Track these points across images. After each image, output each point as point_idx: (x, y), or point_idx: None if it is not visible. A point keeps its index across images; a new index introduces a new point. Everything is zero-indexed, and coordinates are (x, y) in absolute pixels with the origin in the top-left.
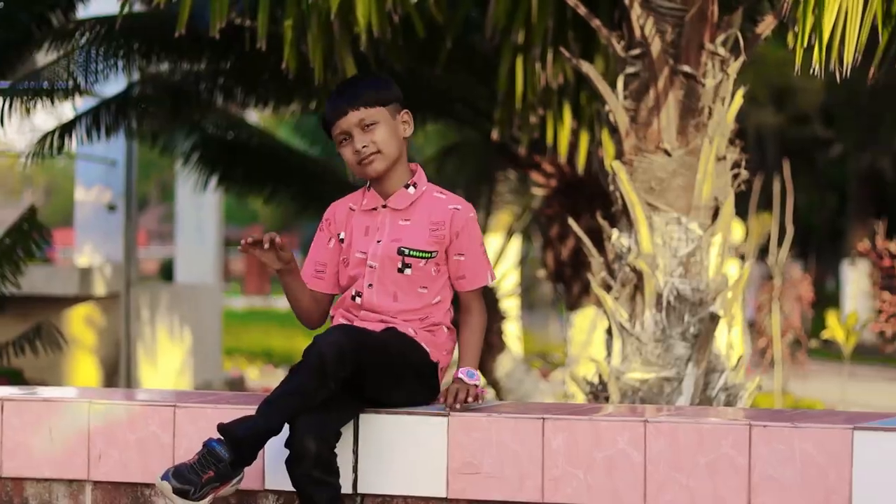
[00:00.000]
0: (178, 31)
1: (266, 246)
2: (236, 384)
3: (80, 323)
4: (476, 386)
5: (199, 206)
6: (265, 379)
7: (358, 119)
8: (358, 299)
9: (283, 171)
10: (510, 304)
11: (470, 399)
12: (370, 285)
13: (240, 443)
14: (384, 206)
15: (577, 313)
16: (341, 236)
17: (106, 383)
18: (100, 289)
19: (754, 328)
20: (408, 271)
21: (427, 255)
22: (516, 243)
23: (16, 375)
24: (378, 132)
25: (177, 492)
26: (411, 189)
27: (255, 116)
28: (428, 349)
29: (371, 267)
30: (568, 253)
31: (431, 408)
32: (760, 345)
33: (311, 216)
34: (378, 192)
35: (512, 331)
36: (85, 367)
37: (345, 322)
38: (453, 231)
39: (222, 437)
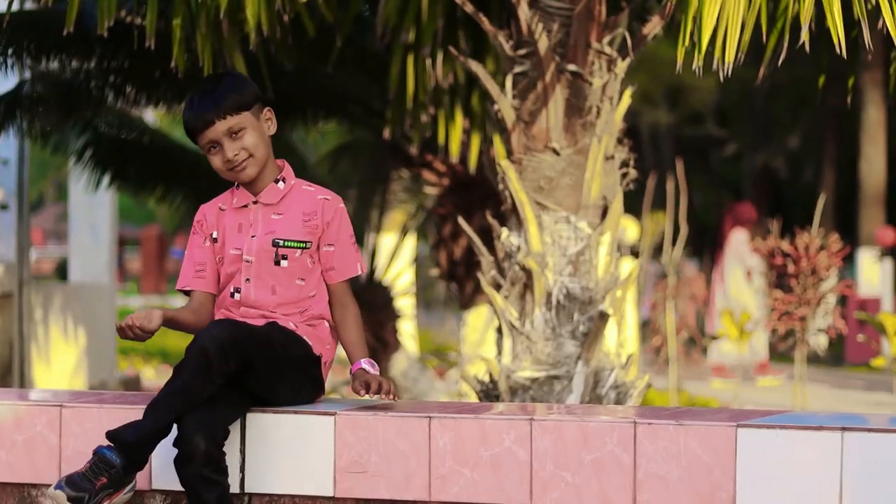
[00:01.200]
0: (67, 30)
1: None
2: (132, 384)
3: None
4: (389, 381)
5: (92, 205)
6: (161, 378)
7: (226, 128)
8: (237, 295)
9: (177, 170)
10: (405, 303)
11: (391, 396)
12: (248, 280)
13: (130, 447)
14: (255, 203)
15: (470, 312)
16: (214, 236)
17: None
18: None
19: (649, 327)
20: (284, 263)
21: (302, 245)
22: (411, 242)
23: None
24: (247, 138)
25: (71, 500)
26: (281, 184)
27: (152, 116)
28: (310, 343)
29: (247, 262)
30: (461, 252)
31: (318, 406)
32: (655, 343)
33: None
34: (248, 190)
35: (407, 329)
36: None
37: (224, 318)
38: (324, 221)
39: (112, 444)
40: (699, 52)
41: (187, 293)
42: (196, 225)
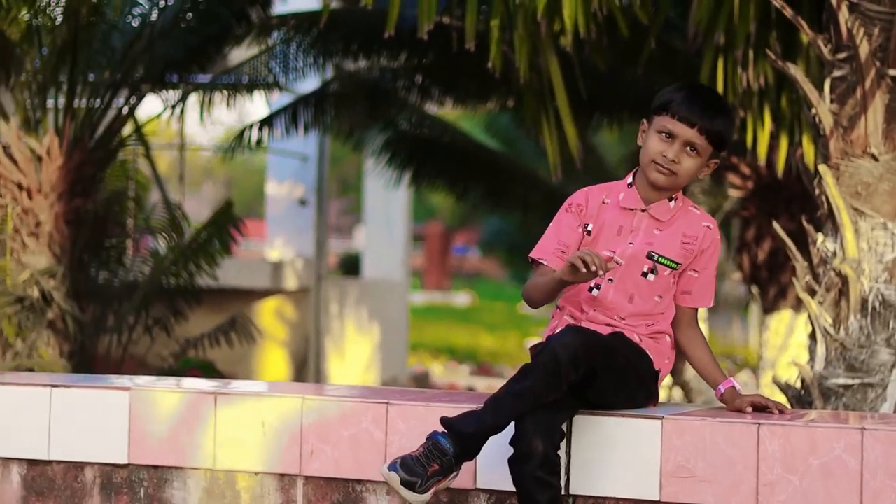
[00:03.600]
0: (388, 32)
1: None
2: (421, 380)
3: (270, 316)
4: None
5: (387, 202)
6: (450, 375)
7: (693, 139)
8: (595, 292)
9: (476, 168)
10: None
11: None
12: (611, 280)
13: (465, 437)
14: (643, 211)
15: (772, 316)
16: (589, 227)
17: (295, 377)
18: (291, 283)
19: None
20: (651, 277)
21: (675, 265)
22: None
23: (208, 368)
24: (690, 161)
25: (404, 483)
26: (672, 203)
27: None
28: (652, 356)
29: (617, 263)
30: (764, 255)
31: (645, 410)
32: None
33: (500, 213)
34: (640, 194)
35: None
36: (274, 360)
37: (571, 321)
38: (701, 248)
39: (446, 431)
40: None
41: (534, 263)
42: (573, 206)
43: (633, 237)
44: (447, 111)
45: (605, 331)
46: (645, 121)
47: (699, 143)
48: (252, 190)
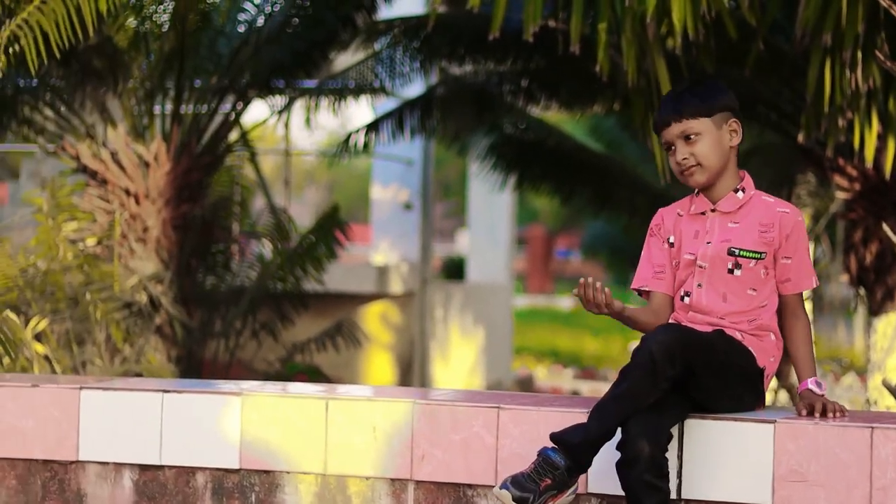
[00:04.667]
0: (493, 35)
1: (596, 294)
2: (525, 383)
3: (375, 320)
4: (835, 403)
5: (491, 205)
6: (553, 379)
7: (680, 131)
8: (686, 299)
9: (580, 171)
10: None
11: (836, 416)
12: (699, 285)
13: (575, 449)
14: (713, 210)
15: (879, 318)
16: (671, 240)
17: (400, 381)
18: (396, 287)
19: None
20: (738, 272)
21: (757, 255)
22: (811, 246)
23: (314, 372)
24: (699, 144)
25: (516, 500)
26: (740, 194)
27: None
28: (755, 354)
29: (701, 267)
30: (871, 257)
31: (757, 414)
32: None
33: (606, 217)
34: (706, 198)
35: None
36: (380, 364)
37: (672, 322)
38: (783, 234)
39: (556, 445)
40: None
41: (641, 294)
42: (653, 228)
43: (709, 236)
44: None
45: (707, 328)
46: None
47: (689, 129)
48: (355, 194)
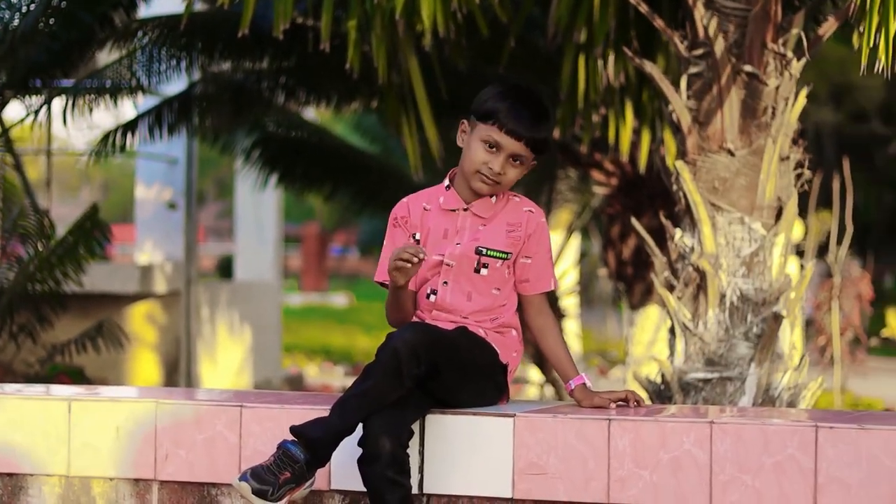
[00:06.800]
0: (242, 32)
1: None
2: (295, 381)
3: (140, 321)
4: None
5: (258, 203)
6: (324, 376)
7: (518, 152)
8: (432, 297)
9: (343, 169)
10: (569, 302)
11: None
12: (445, 283)
13: (315, 443)
14: (465, 210)
15: (639, 312)
16: (417, 237)
17: (166, 381)
18: (160, 286)
19: (813, 326)
20: (484, 271)
21: (504, 255)
22: (575, 241)
23: (77, 373)
24: (514, 171)
25: (255, 492)
26: (493, 198)
27: (311, 113)
28: (498, 350)
29: (448, 265)
30: (630, 252)
31: (497, 408)
32: (819, 343)
33: (370, 214)
34: (460, 195)
35: (571, 328)
36: (146, 365)
37: (417, 320)
38: (527, 233)
39: (296, 439)
40: (887, 49)
41: (384, 285)
42: (398, 219)
43: (459, 237)
44: (323, 113)
45: (450, 327)
46: (465, 122)
47: (524, 155)
48: (129, 194)
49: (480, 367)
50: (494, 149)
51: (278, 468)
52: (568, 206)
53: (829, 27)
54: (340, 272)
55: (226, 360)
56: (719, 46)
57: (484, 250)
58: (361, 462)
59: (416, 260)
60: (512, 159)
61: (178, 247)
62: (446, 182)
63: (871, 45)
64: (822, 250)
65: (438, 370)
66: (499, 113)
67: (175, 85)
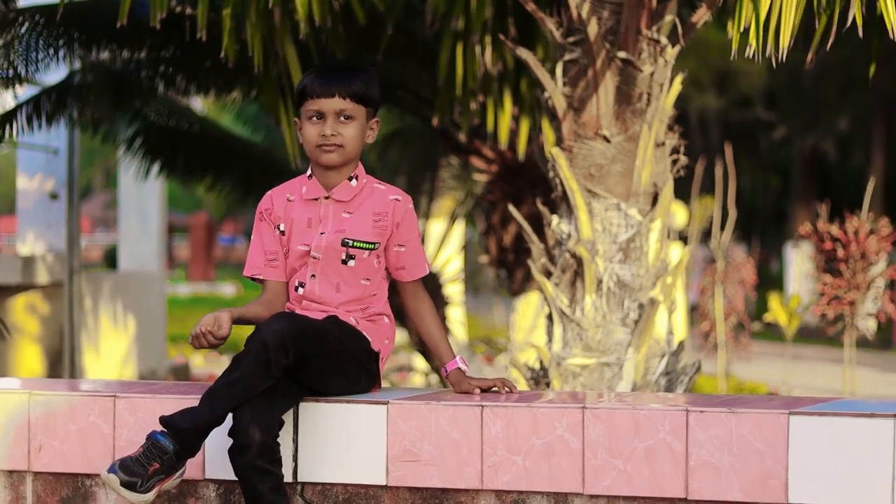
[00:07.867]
0: (120, 22)
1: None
2: (181, 372)
3: (22, 312)
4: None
5: (142, 193)
6: (210, 366)
7: (340, 107)
8: (301, 290)
9: (226, 158)
10: (454, 290)
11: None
12: (313, 276)
13: (184, 434)
14: (327, 198)
15: (520, 299)
16: (281, 228)
17: (50, 372)
18: (42, 277)
19: (697, 311)
20: (351, 263)
21: (371, 246)
22: (459, 228)
23: None
24: (350, 128)
25: (124, 484)
26: (354, 182)
27: (199, 104)
28: (369, 338)
29: (314, 258)
30: (510, 239)
31: (371, 396)
32: (704, 328)
33: (254, 204)
34: (321, 183)
35: (455, 316)
36: (28, 357)
37: (286, 311)
38: (394, 222)
39: (166, 430)
40: (757, 35)
41: (255, 280)
42: (263, 213)
43: (323, 226)
44: (209, 103)
45: (321, 316)
46: (297, 120)
47: (348, 108)
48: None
49: (351, 355)
50: (320, 118)
51: (147, 459)
52: (451, 193)
53: (702, 14)
54: (228, 262)
55: (110, 351)
56: (593, 32)
57: (350, 241)
58: (232, 452)
59: (213, 340)
60: (341, 118)
61: (60, 237)
62: (308, 172)
63: (741, 30)
64: (708, 236)
65: (307, 359)
66: (306, 87)
67: (55, 74)
